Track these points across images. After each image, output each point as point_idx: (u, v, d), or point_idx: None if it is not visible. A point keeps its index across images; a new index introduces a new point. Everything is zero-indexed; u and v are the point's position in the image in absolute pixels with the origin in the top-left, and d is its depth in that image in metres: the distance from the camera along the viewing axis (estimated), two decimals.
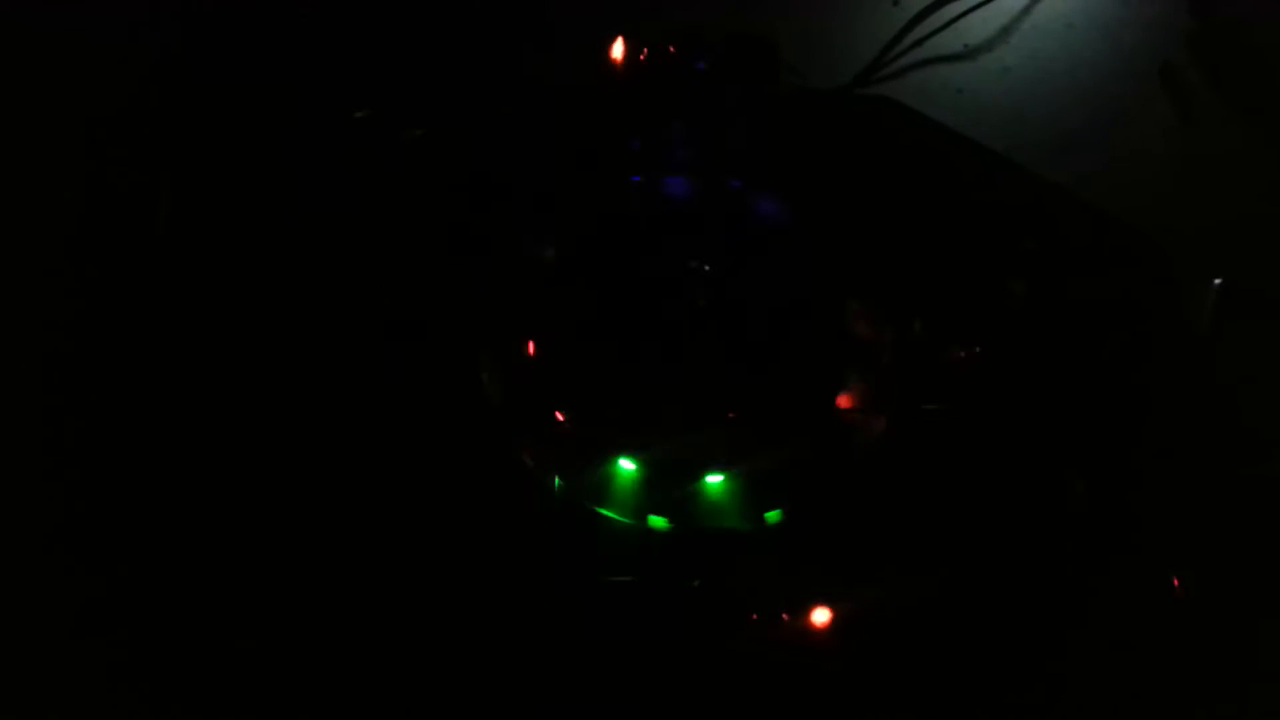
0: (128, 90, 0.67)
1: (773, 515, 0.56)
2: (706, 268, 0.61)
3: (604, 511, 0.56)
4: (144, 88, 0.67)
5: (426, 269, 0.61)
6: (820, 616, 0.52)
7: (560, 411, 0.58)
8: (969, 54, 0.75)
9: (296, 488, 0.56)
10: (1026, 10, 0.77)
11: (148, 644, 0.53)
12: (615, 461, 0.56)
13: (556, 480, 0.57)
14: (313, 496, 0.56)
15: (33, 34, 0.69)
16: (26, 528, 0.56)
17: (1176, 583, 0.56)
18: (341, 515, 0.56)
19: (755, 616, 0.52)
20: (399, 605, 0.54)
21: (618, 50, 0.66)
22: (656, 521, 0.56)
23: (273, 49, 0.69)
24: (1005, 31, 0.76)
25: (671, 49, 0.65)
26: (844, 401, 0.59)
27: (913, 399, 0.59)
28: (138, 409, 0.58)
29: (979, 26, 0.76)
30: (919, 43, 0.75)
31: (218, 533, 0.55)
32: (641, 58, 0.66)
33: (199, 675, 0.53)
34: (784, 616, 0.52)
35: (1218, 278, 0.65)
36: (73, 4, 0.69)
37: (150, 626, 0.54)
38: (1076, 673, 0.54)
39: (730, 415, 0.58)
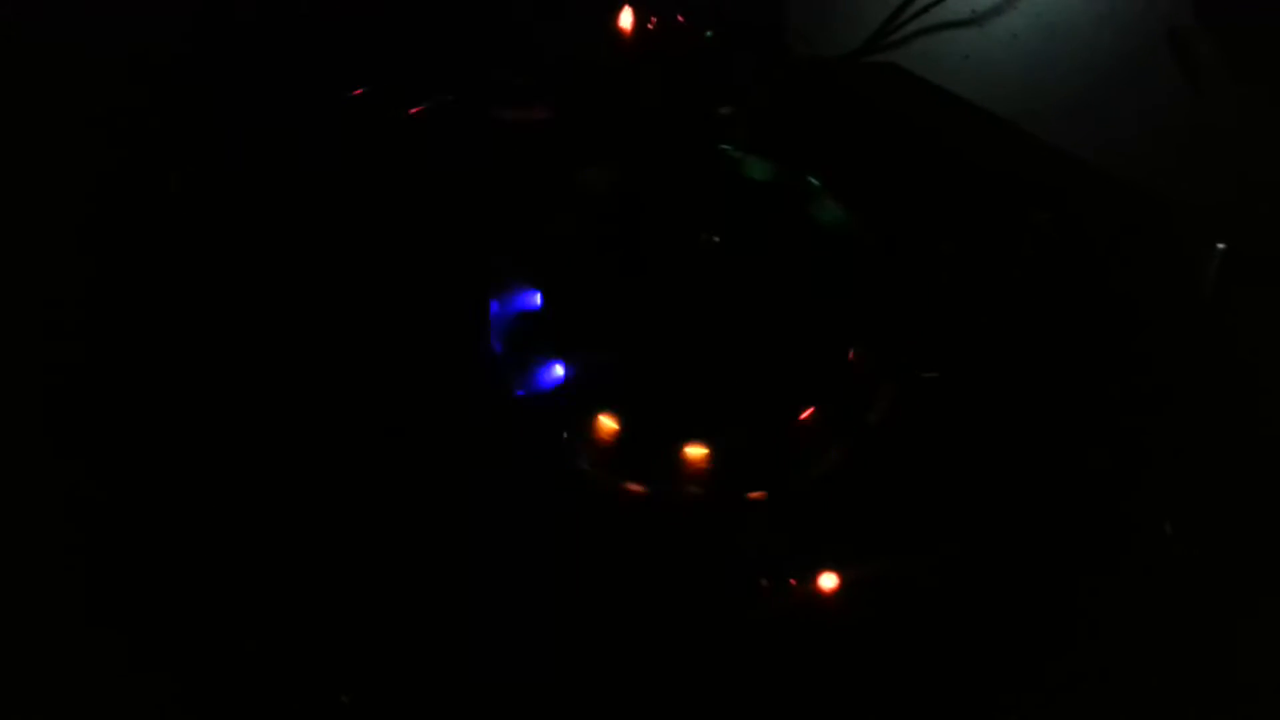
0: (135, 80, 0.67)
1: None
2: (716, 239, 0.61)
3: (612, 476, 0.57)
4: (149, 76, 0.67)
5: (434, 248, 0.62)
6: (827, 582, 0.53)
7: (573, 386, 0.59)
8: (976, 20, 0.75)
9: (307, 480, 0.57)
10: None
11: (155, 642, 0.54)
12: (625, 428, 0.57)
13: (564, 441, 0.58)
14: (321, 486, 0.57)
15: (32, 25, 0.69)
16: (39, 512, 0.57)
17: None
18: (350, 500, 0.57)
19: (766, 583, 0.53)
20: (413, 595, 0.55)
21: (625, 19, 0.66)
22: None
23: (276, 25, 0.69)
24: None
25: (680, 17, 0.65)
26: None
27: (913, 366, 0.60)
28: (150, 400, 0.59)
29: None
30: (926, 9, 0.74)
31: (224, 532, 0.56)
32: (649, 26, 0.66)
33: (204, 675, 0.53)
34: (791, 582, 0.53)
35: (1221, 242, 0.65)
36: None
37: (158, 623, 0.54)
38: (1085, 653, 0.55)
39: (736, 383, 0.58)
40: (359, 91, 0.66)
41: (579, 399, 0.59)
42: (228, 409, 0.58)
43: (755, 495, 0.57)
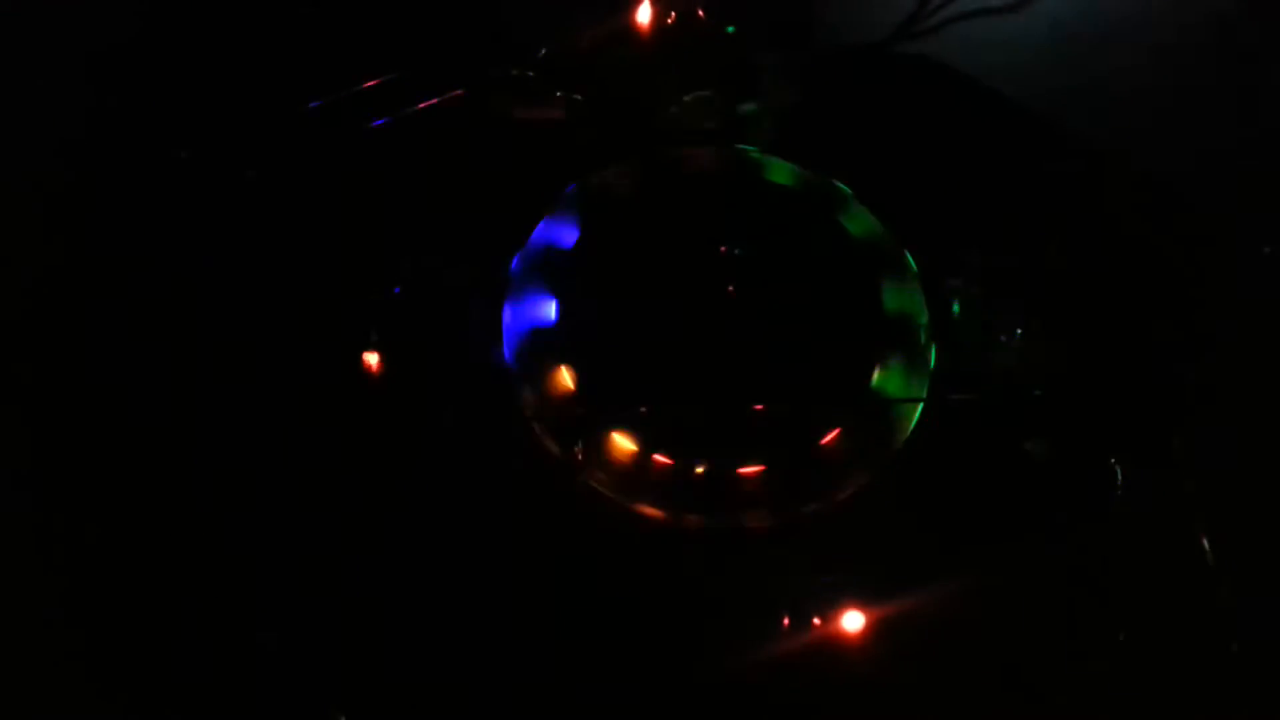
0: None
1: None
2: (737, 251, 0.58)
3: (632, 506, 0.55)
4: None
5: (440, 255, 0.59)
6: (853, 622, 0.51)
7: (587, 404, 0.56)
8: (1014, 6, 0.71)
9: (305, 492, 0.55)
10: None
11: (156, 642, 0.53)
12: (645, 453, 0.55)
13: (582, 473, 0.56)
14: (320, 498, 0.55)
15: None
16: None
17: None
18: (350, 512, 0.55)
19: (787, 621, 0.51)
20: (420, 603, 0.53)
21: (644, 14, 0.63)
22: None
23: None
24: None
25: (700, 12, 0.62)
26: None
27: (942, 388, 0.57)
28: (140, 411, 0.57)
29: None
30: None
31: (216, 539, 0.54)
32: (669, 21, 0.63)
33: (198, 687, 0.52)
34: (815, 621, 0.51)
35: (1269, 246, 0.62)
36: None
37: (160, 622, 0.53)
38: (1114, 675, 0.53)
39: (758, 406, 0.56)
40: (372, 83, 0.63)
41: (592, 415, 0.56)
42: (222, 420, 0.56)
43: (771, 522, 0.55)
